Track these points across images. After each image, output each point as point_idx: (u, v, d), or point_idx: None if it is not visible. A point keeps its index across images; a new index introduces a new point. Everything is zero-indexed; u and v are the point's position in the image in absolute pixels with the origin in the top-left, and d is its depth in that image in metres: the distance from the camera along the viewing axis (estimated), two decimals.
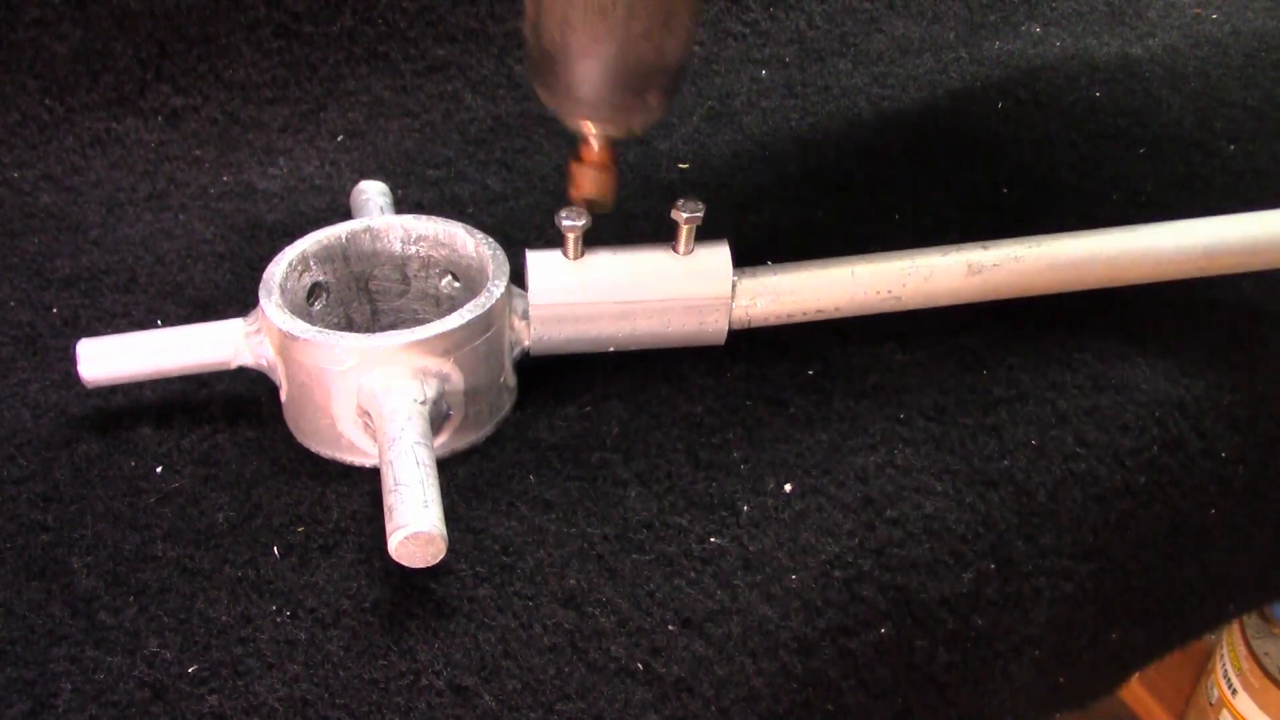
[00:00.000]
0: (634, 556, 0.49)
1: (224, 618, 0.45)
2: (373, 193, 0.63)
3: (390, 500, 0.44)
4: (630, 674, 0.46)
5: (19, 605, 0.46)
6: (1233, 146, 0.78)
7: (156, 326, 0.60)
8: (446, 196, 0.73)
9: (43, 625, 0.45)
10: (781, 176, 0.75)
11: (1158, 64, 0.89)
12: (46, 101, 0.75)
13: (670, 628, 0.47)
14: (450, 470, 0.52)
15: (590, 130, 0.52)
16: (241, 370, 0.54)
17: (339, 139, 0.78)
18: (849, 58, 0.90)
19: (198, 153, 0.76)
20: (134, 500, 0.50)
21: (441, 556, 0.43)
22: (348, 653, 0.45)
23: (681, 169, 0.76)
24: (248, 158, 0.76)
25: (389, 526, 0.43)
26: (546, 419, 0.55)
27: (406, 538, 0.42)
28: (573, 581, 0.48)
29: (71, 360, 0.58)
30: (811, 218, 0.71)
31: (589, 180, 0.53)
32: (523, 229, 0.69)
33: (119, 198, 0.72)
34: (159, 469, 0.52)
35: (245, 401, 0.56)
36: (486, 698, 0.44)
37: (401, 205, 0.71)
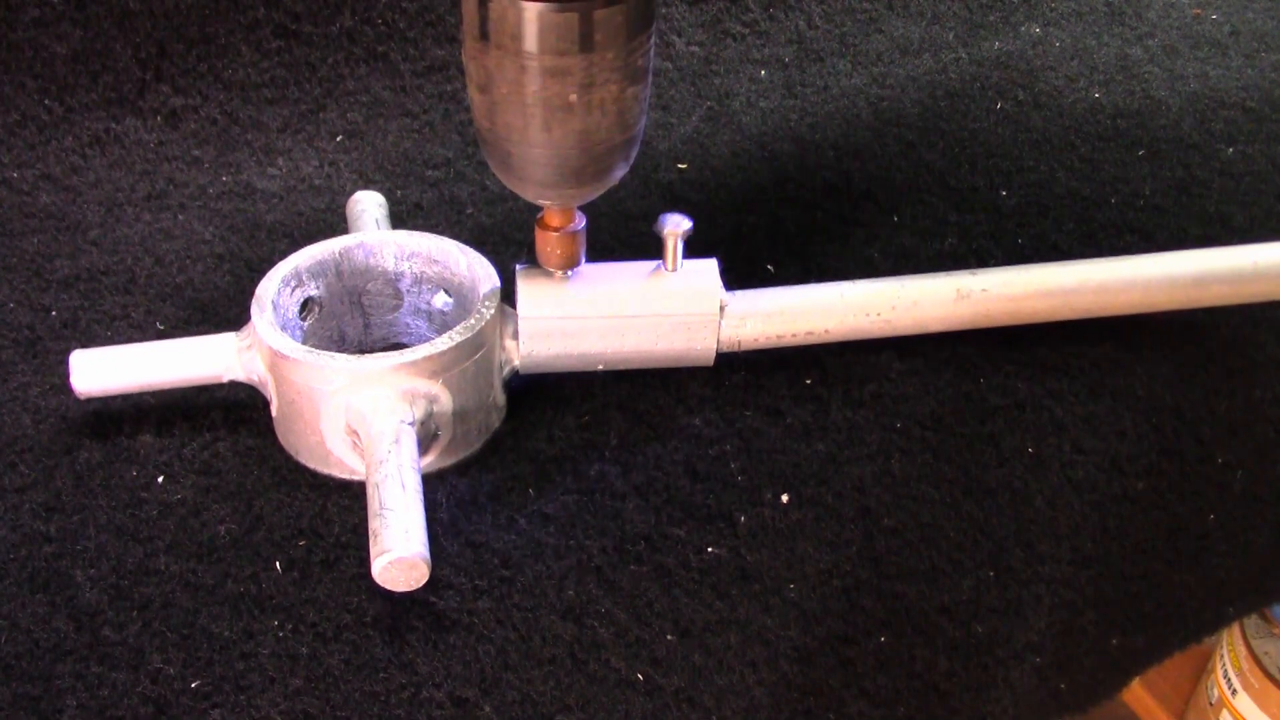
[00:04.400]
0: (632, 568, 0.49)
1: (226, 633, 0.46)
2: (368, 204, 0.63)
3: (375, 525, 0.44)
4: (630, 685, 0.46)
5: (24, 619, 0.46)
6: (1231, 149, 0.78)
7: (156, 329, 0.61)
8: (445, 197, 0.73)
9: (48, 640, 0.46)
10: (780, 177, 0.75)
11: (1157, 65, 0.89)
12: (46, 101, 0.75)
13: (669, 638, 0.47)
14: (449, 483, 0.52)
15: (552, 204, 0.52)
16: (234, 382, 0.54)
17: (338, 139, 0.78)
18: (848, 58, 0.90)
19: (197, 153, 0.76)
20: (136, 511, 0.51)
21: (425, 581, 0.44)
22: (348, 666, 0.45)
23: (680, 169, 0.76)
24: (247, 158, 0.76)
25: (373, 550, 0.43)
26: (545, 430, 0.55)
27: (390, 563, 0.43)
28: (572, 594, 0.48)
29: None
30: (810, 218, 0.71)
31: (555, 247, 0.53)
32: (522, 229, 0.69)
33: (118, 198, 0.72)
34: (160, 479, 0.52)
35: (246, 408, 0.56)
36: (487, 709, 0.45)
37: (400, 206, 0.71)
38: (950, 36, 0.93)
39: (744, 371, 0.58)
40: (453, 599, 0.47)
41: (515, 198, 0.73)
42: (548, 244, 0.53)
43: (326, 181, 0.75)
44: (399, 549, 0.43)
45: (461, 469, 0.53)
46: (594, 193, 0.51)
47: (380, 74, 0.82)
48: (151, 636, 0.46)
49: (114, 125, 0.76)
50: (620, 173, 0.51)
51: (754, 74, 0.87)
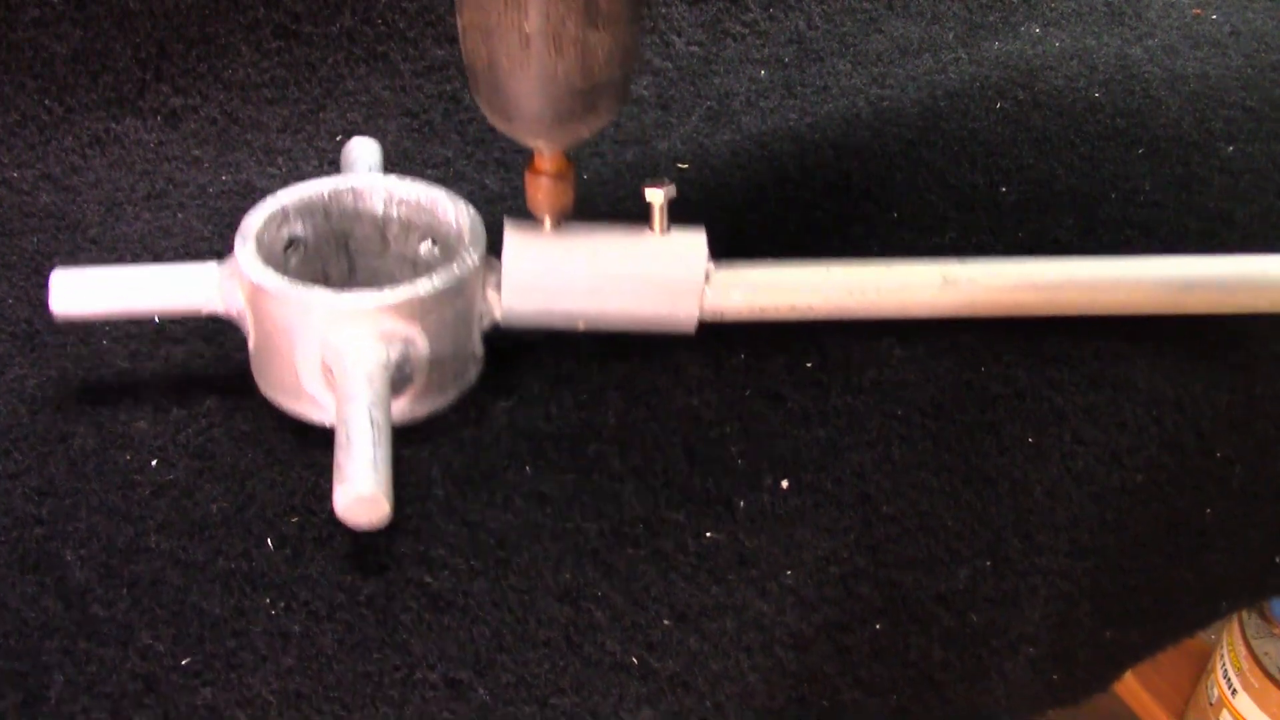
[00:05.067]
0: (629, 551, 0.49)
1: (217, 610, 0.45)
2: (362, 150, 0.64)
3: (340, 458, 0.44)
4: (625, 668, 0.46)
5: (12, 598, 0.46)
6: (1231, 148, 0.78)
7: (153, 323, 0.61)
8: None
9: (36, 618, 0.45)
10: (780, 176, 0.75)
11: (1157, 64, 0.89)
12: (46, 101, 0.75)
13: (665, 622, 0.47)
14: (445, 461, 0.52)
15: (541, 145, 0.52)
16: (214, 319, 0.54)
17: (338, 139, 0.78)
18: (848, 58, 0.90)
19: (197, 152, 0.76)
20: (128, 493, 0.50)
21: (386, 519, 0.43)
22: (341, 646, 0.45)
23: (680, 169, 0.76)
24: (247, 157, 0.76)
25: (335, 482, 0.43)
26: (542, 409, 0.55)
27: (351, 498, 0.43)
28: (568, 576, 0.48)
29: (68, 355, 0.58)
30: (810, 217, 0.71)
31: (545, 191, 0.53)
32: None
33: (118, 197, 0.72)
34: (154, 462, 0.52)
35: (240, 394, 0.56)
36: (480, 691, 0.44)
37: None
38: (950, 36, 0.93)
39: (744, 354, 0.58)
40: (448, 579, 0.47)
41: (515, 197, 0.73)
42: (538, 189, 0.53)
43: None
44: (360, 483, 0.43)
45: (457, 446, 0.53)
46: (584, 132, 0.50)
47: (380, 74, 0.82)
48: (141, 614, 0.45)
49: (114, 125, 0.76)
50: (611, 114, 0.50)
51: (754, 74, 0.88)
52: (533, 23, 0.46)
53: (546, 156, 0.52)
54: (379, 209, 0.58)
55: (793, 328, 0.59)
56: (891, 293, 0.57)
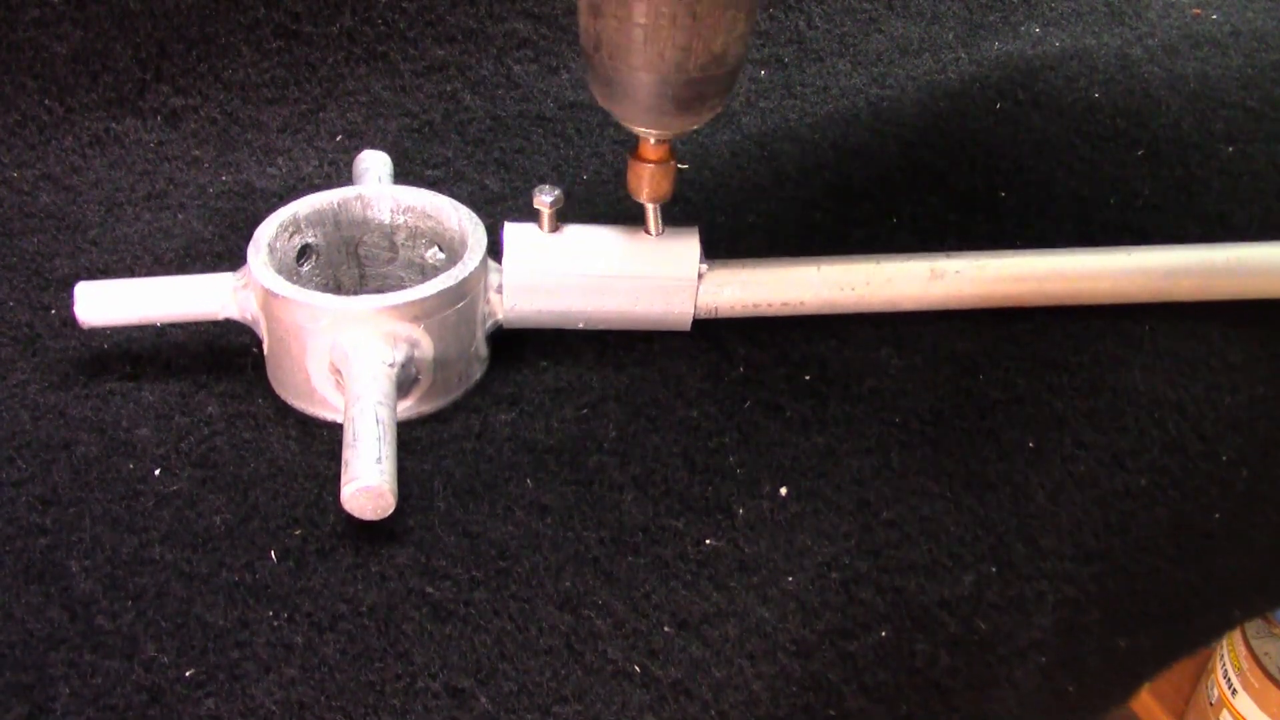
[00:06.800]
0: (630, 559, 0.49)
1: (221, 622, 0.45)
2: (372, 162, 0.66)
3: (348, 454, 0.46)
4: (627, 676, 0.46)
5: (18, 609, 0.46)
6: (1231, 148, 0.78)
7: (154, 327, 0.61)
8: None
9: (41, 629, 0.45)
10: (780, 177, 0.75)
11: (1157, 65, 0.89)
12: (46, 101, 0.75)
13: (667, 629, 0.47)
14: (447, 474, 0.52)
15: (649, 133, 0.53)
16: (230, 322, 0.56)
17: (338, 139, 0.78)
18: (848, 58, 0.90)
19: (197, 153, 0.76)
20: (132, 503, 0.50)
21: (390, 511, 0.46)
22: (344, 656, 0.45)
23: (681, 169, 0.76)
24: (247, 158, 0.76)
25: (343, 478, 0.45)
26: (543, 421, 0.55)
27: (357, 490, 0.45)
28: (569, 584, 0.48)
29: (70, 360, 0.58)
30: (809, 218, 0.71)
31: (647, 179, 0.54)
32: None
33: (118, 197, 0.72)
34: (157, 471, 0.52)
35: (243, 402, 0.56)
36: (483, 700, 0.44)
37: None
38: (950, 36, 0.93)
39: (743, 368, 0.58)
40: (449, 589, 0.47)
41: (515, 197, 0.73)
42: (640, 177, 0.54)
43: (326, 181, 0.75)
44: (366, 477, 0.45)
45: (458, 458, 0.53)
46: (691, 121, 0.52)
47: (380, 74, 0.82)
48: (146, 625, 0.45)
49: (114, 125, 0.76)
50: (718, 105, 0.52)
51: (754, 74, 0.87)
52: (644, 15, 0.47)
53: (651, 145, 0.53)
54: (386, 217, 0.60)
55: (791, 341, 0.59)
56: (881, 286, 0.58)
